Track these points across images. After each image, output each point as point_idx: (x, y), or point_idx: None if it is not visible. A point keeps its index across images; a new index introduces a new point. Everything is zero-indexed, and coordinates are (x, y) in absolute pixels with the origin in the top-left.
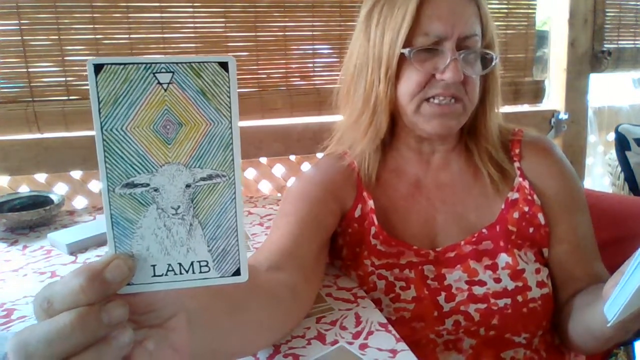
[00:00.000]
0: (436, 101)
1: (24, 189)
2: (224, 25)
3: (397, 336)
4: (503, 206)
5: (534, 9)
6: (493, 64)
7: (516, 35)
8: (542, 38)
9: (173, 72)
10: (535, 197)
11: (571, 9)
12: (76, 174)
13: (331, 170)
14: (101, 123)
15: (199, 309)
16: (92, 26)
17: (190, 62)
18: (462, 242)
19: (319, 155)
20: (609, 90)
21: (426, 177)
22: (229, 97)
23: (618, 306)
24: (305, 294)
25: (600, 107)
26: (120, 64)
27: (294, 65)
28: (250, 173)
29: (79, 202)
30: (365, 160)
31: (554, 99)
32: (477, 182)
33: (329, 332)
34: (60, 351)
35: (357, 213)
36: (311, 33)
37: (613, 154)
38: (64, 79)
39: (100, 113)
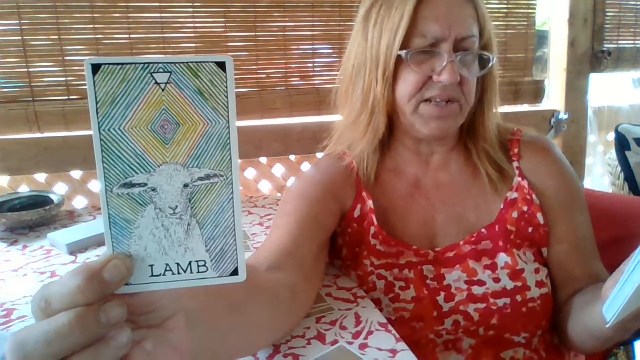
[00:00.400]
0: (434, 102)
1: (24, 189)
2: (224, 25)
3: (397, 336)
4: (502, 206)
5: (534, 9)
6: (490, 65)
7: (516, 35)
8: (542, 38)
9: (171, 72)
10: (534, 196)
11: (571, 9)
12: (76, 174)
13: (331, 170)
14: (99, 123)
15: (198, 309)
16: (92, 26)
17: (187, 62)
18: (462, 242)
19: (319, 155)
20: (609, 90)
21: (425, 177)
22: (227, 97)
23: (617, 307)
24: (305, 294)
25: (600, 107)
26: (118, 64)
27: (293, 65)
28: (250, 173)
29: (79, 202)
30: (364, 160)
31: (554, 99)
32: (476, 182)
33: (329, 332)
34: (58, 351)
35: (357, 213)
36: (311, 33)
37: (613, 154)
38: (64, 78)
39: (98, 113)
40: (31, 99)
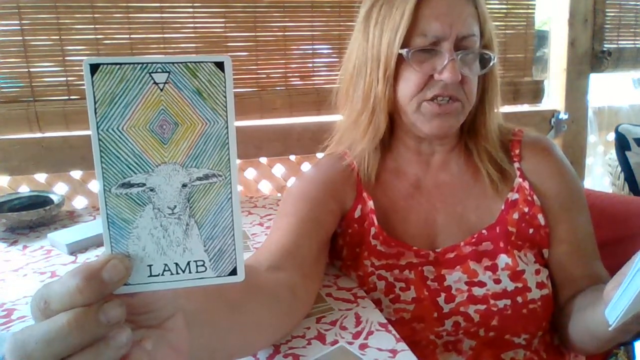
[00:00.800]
0: (434, 102)
1: (24, 189)
2: (224, 25)
3: (397, 336)
4: (503, 207)
5: (533, 9)
6: (491, 64)
7: (515, 36)
8: (542, 38)
9: (169, 72)
10: (535, 197)
11: (571, 9)
12: (76, 174)
13: (331, 170)
14: (97, 123)
15: (197, 309)
16: (92, 26)
17: (186, 62)
18: (462, 243)
19: (319, 155)
20: (609, 90)
21: (426, 177)
22: (225, 97)
23: (619, 310)
24: (305, 294)
25: (600, 107)
26: (117, 63)
27: (293, 65)
28: (250, 173)
29: (79, 202)
30: (365, 160)
31: (554, 99)
32: (476, 183)
33: (329, 332)
34: (58, 351)
35: (357, 214)
36: (311, 33)
37: (613, 154)
38: (64, 78)
39: (96, 113)
40: (31, 98)
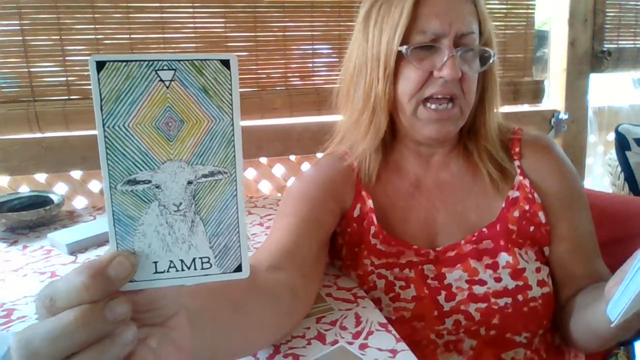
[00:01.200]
0: (433, 106)
1: (24, 189)
2: (224, 25)
3: (397, 336)
4: (503, 205)
5: (533, 9)
6: (491, 61)
7: (515, 36)
8: (542, 38)
9: (175, 70)
10: (535, 195)
11: (571, 9)
12: (76, 174)
13: (331, 170)
14: (103, 120)
15: (199, 308)
16: (93, 26)
17: (192, 60)
18: (462, 242)
19: (319, 155)
20: (609, 90)
21: (426, 176)
22: (231, 95)
23: (621, 306)
24: (305, 294)
25: (600, 107)
26: (123, 61)
27: (293, 65)
28: (250, 173)
29: (79, 202)
30: (365, 159)
31: (554, 99)
32: (477, 182)
33: (329, 332)
34: (64, 348)
35: (356, 213)
36: (311, 33)
37: (613, 154)
38: (65, 78)
39: (102, 110)
40: (32, 98)
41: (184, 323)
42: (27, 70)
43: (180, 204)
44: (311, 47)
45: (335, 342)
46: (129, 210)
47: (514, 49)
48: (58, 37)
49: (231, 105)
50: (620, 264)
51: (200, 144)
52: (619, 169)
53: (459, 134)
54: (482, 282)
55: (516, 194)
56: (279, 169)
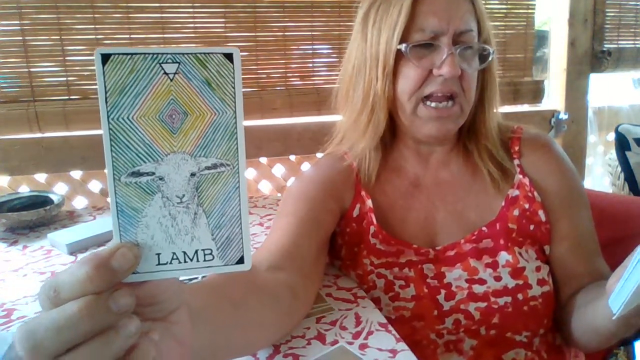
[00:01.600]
0: (433, 104)
1: (24, 189)
2: (224, 25)
3: (397, 336)
4: (503, 204)
5: (533, 9)
6: (490, 58)
7: (515, 36)
8: (542, 38)
9: (179, 63)
10: (535, 194)
11: (571, 9)
12: (76, 174)
13: (330, 170)
14: (108, 112)
15: (201, 306)
16: (93, 26)
17: (196, 53)
18: (462, 241)
19: (319, 155)
20: (609, 90)
21: (425, 175)
22: (234, 88)
23: (623, 298)
24: (305, 294)
25: (600, 107)
26: (128, 54)
27: (293, 65)
28: (250, 173)
29: (79, 202)
30: (365, 159)
31: (554, 99)
32: (476, 181)
33: (329, 332)
34: (68, 339)
35: (355, 213)
36: (311, 33)
37: (613, 154)
38: (65, 78)
39: (107, 102)
40: (32, 98)
41: (185, 318)
42: (27, 70)
43: (184, 195)
44: (311, 47)
45: (335, 342)
46: (132, 202)
47: (514, 49)
48: (58, 37)
49: (234, 98)
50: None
51: (204, 136)
52: (619, 169)
53: (459, 133)
54: (482, 281)
55: (516, 192)
56: (279, 169)
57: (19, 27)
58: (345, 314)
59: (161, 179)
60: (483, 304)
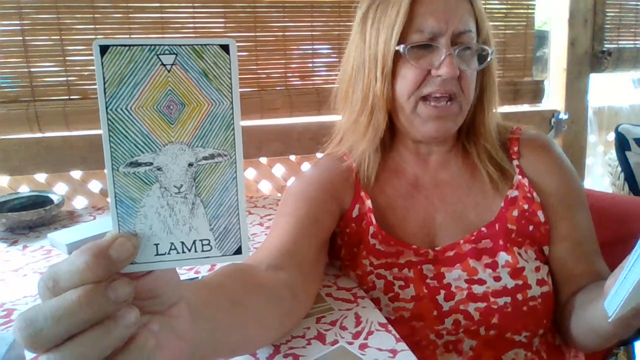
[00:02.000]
0: (432, 103)
1: (24, 189)
2: (224, 25)
3: (397, 336)
4: (502, 204)
5: (533, 9)
6: (489, 59)
7: (515, 36)
8: (542, 38)
9: (176, 54)
10: (534, 194)
11: (571, 9)
12: (76, 174)
13: (330, 170)
14: (106, 103)
15: (200, 303)
16: (93, 26)
17: (192, 45)
18: (462, 241)
19: (319, 155)
20: (609, 90)
21: (425, 176)
22: (230, 79)
23: (618, 300)
24: (305, 294)
25: (600, 107)
26: (126, 45)
27: (293, 65)
28: (250, 173)
29: (79, 202)
30: (365, 160)
31: (554, 99)
32: (475, 181)
33: (329, 332)
34: (68, 328)
35: (355, 213)
36: (310, 33)
37: (613, 154)
38: (65, 78)
39: (105, 93)
40: (32, 98)
41: (185, 313)
42: (27, 70)
43: (181, 186)
44: (311, 47)
45: (335, 342)
46: (130, 192)
47: (514, 49)
48: (58, 37)
49: (230, 88)
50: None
51: (201, 126)
52: (619, 169)
53: (458, 134)
54: (481, 282)
55: (515, 193)
56: (279, 169)
57: (19, 27)
58: (345, 314)
59: (159, 169)
60: (482, 305)
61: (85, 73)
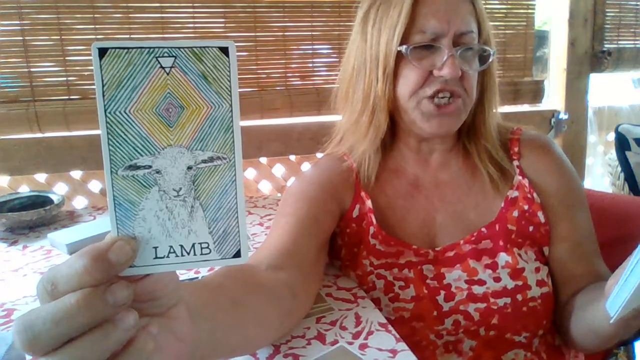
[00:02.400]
0: (435, 101)
1: (24, 189)
2: (224, 25)
3: (397, 336)
4: (502, 205)
5: (533, 9)
6: (490, 59)
7: (515, 36)
8: (542, 38)
9: (175, 57)
10: (534, 195)
11: (571, 9)
12: (76, 174)
13: (330, 170)
14: (105, 106)
15: (200, 303)
16: (93, 26)
17: (191, 47)
18: (462, 241)
19: (319, 155)
20: (609, 90)
21: (425, 176)
22: (230, 81)
23: (620, 302)
24: (305, 294)
25: (600, 107)
26: (124, 48)
27: (293, 65)
28: (250, 173)
29: (79, 202)
30: (365, 161)
31: (554, 99)
32: (476, 182)
33: (329, 332)
34: (66, 331)
35: (355, 213)
36: (310, 33)
37: (613, 154)
38: (65, 78)
39: (104, 96)
40: (32, 98)
41: (184, 314)
42: (27, 70)
43: (180, 189)
44: (311, 47)
45: (335, 342)
46: (129, 195)
47: (514, 49)
48: (58, 37)
49: (230, 91)
50: (621, 263)
51: (200, 129)
52: (619, 169)
53: (458, 134)
54: (481, 282)
55: (515, 193)
56: (279, 169)
57: (19, 27)
58: (345, 314)
59: (158, 172)
60: (482, 305)
61: (85, 73)
